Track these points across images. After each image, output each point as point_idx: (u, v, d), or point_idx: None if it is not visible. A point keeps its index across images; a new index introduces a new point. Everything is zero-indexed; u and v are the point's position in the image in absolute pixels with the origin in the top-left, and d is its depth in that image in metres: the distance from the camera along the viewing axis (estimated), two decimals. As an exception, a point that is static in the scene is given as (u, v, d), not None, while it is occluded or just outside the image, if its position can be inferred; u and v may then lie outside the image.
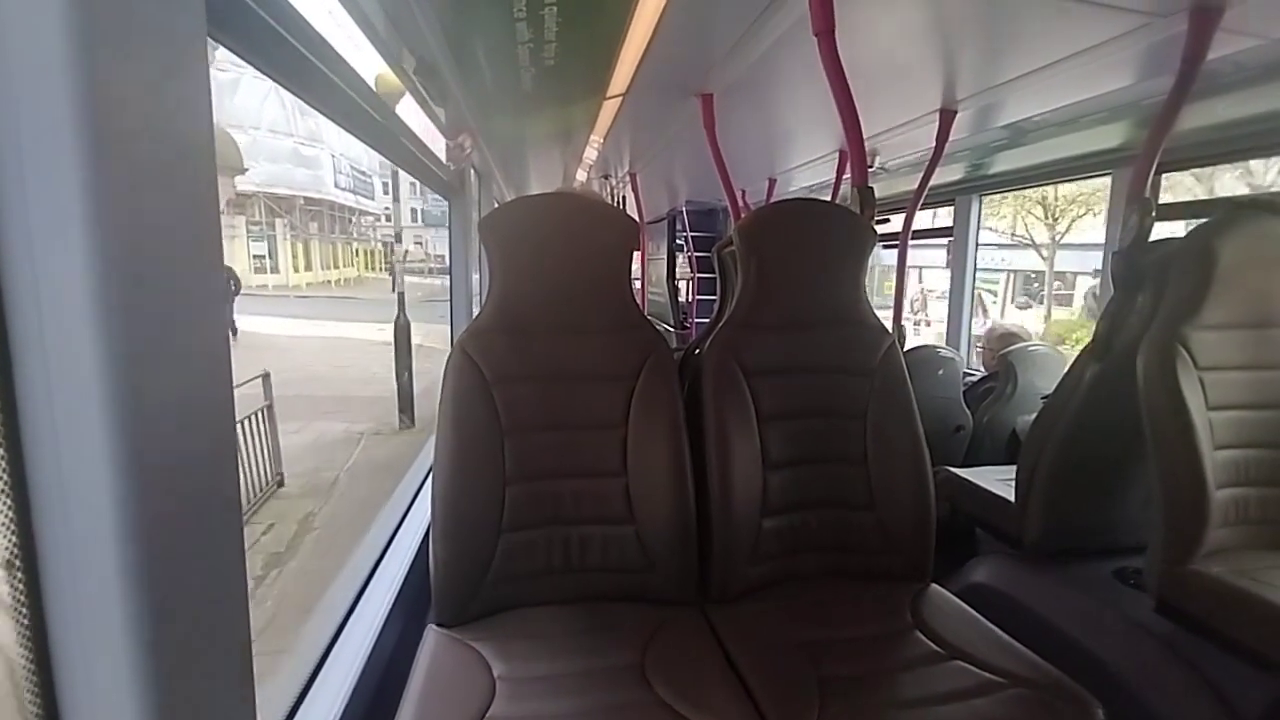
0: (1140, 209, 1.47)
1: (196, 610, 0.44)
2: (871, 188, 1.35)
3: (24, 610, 0.38)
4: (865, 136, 1.34)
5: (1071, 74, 1.62)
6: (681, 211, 5.12)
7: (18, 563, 0.37)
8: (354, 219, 26.38)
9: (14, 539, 0.37)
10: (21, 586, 0.37)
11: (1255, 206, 1.34)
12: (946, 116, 2.06)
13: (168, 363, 0.41)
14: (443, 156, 1.97)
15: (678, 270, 5.75)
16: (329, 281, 23.81)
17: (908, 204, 2.47)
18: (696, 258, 5.16)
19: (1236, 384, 1.30)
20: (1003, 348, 2.39)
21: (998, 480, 1.81)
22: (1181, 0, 1.25)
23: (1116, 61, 1.52)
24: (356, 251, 28.90)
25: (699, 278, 5.18)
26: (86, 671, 0.39)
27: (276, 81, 0.86)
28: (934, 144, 2.15)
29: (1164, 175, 2.16)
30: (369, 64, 1.23)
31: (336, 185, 22.60)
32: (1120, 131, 2.05)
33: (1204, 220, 1.36)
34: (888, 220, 3.79)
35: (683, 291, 5.69)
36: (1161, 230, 1.56)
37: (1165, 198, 2.28)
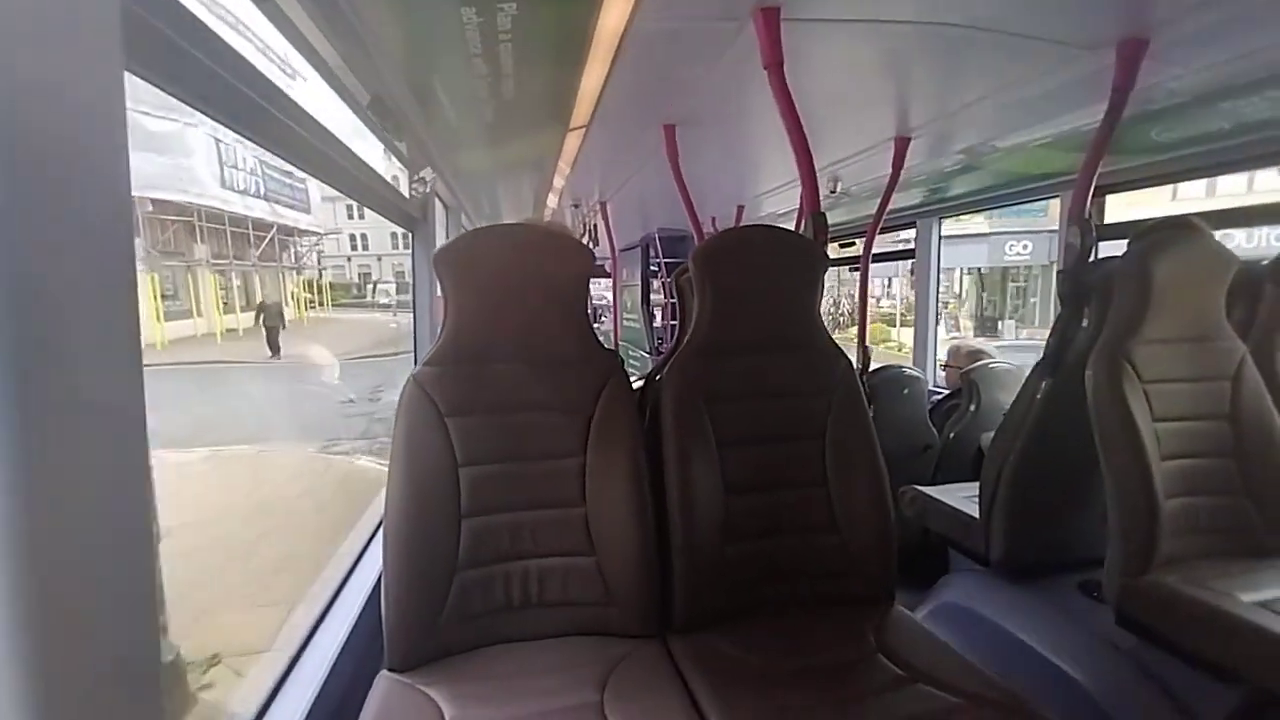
0: (1081, 229, 1.52)
1: (96, 625, 0.42)
2: (824, 214, 1.38)
3: None
4: (827, 163, 1.38)
5: (1015, 103, 1.70)
6: (655, 238, 5.19)
7: None
8: (271, 238, 17.29)
9: None
10: None
11: (1188, 226, 1.40)
12: (901, 143, 2.13)
13: (74, 364, 0.41)
14: (405, 189, 1.97)
15: (652, 297, 5.80)
16: (222, 333, 14.11)
17: (868, 227, 2.54)
18: (669, 284, 5.22)
19: (1180, 395, 1.34)
20: (966, 365, 2.44)
21: (964, 498, 1.82)
22: (1109, 33, 1.32)
23: (1055, 91, 1.60)
24: (278, 284, 18.65)
25: (672, 304, 5.23)
26: None
27: (212, 118, 0.85)
28: (890, 169, 2.22)
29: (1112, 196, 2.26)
30: (317, 98, 1.24)
31: (228, 185, 14.53)
32: (1066, 157, 2.14)
33: (1140, 239, 1.42)
34: (853, 244, 3.87)
35: (657, 318, 5.73)
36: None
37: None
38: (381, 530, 1.07)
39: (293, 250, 20.56)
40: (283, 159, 1.12)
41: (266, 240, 17.24)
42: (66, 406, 0.40)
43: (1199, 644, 1.17)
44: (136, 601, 0.45)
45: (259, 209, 16.29)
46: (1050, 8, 1.22)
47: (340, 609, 1.27)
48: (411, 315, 2.06)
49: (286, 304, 18.42)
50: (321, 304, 22.99)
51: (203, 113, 0.82)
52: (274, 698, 0.99)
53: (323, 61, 1.19)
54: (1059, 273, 1.57)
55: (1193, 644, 1.18)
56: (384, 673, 1.03)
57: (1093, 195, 1.59)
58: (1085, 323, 1.51)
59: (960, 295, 16.87)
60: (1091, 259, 1.61)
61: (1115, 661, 1.30)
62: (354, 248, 32.00)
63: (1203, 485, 1.33)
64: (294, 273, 20.99)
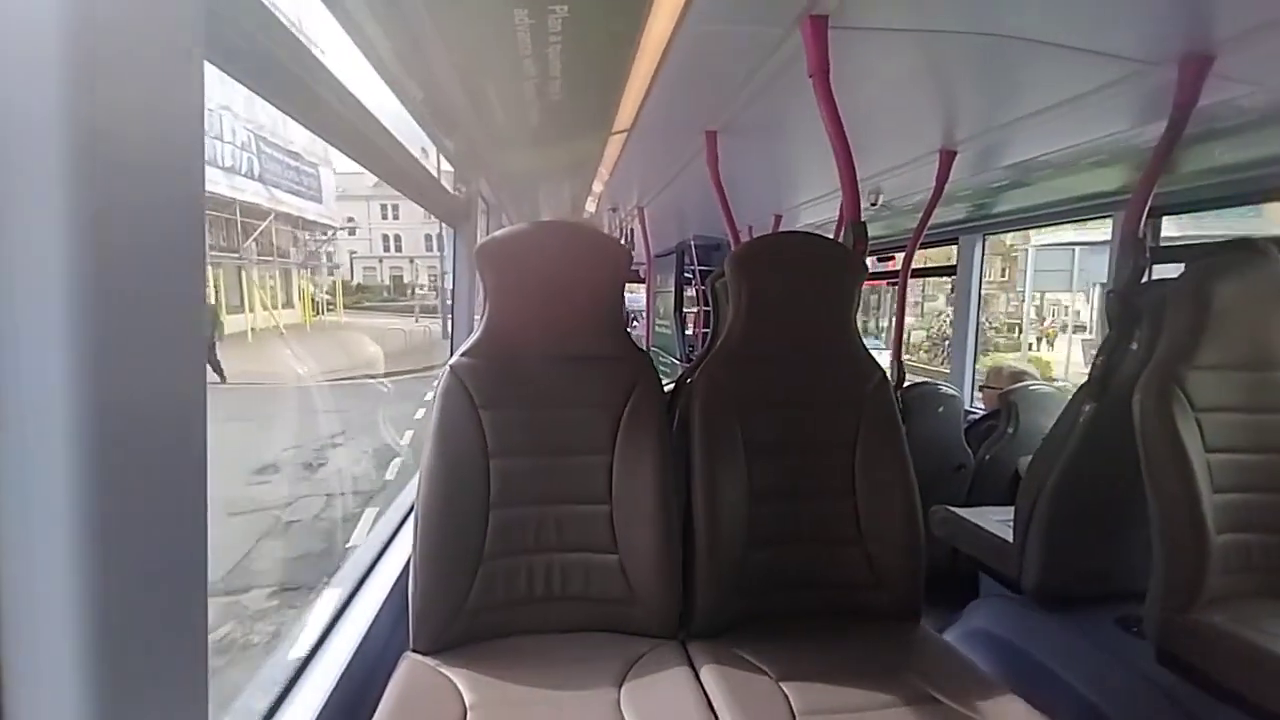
0: (1134, 250, 1.47)
1: (152, 622, 0.44)
2: (864, 223, 1.36)
3: None
4: (867, 174, 1.37)
5: (1069, 118, 1.65)
6: (690, 245, 5.19)
7: None
8: (266, 228, 14.82)
9: None
10: None
11: (1250, 249, 1.34)
12: (946, 156, 2.09)
13: (139, 370, 0.42)
14: (450, 186, 2.02)
15: (685, 304, 5.80)
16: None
17: (908, 242, 2.49)
18: (703, 291, 5.21)
19: (1235, 426, 1.28)
20: (1006, 386, 2.37)
21: (997, 521, 1.77)
22: (1172, 49, 1.28)
23: (1112, 107, 1.55)
24: (291, 285, 17.37)
25: (705, 311, 5.22)
26: (32, 674, 0.39)
27: (277, 107, 0.89)
28: (934, 183, 2.18)
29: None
30: (375, 92, 1.28)
31: (225, 166, 13.05)
32: (1120, 174, 2.07)
33: (1199, 261, 1.36)
34: (892, 258, 3.81)
35: (689, 325, 5.72)
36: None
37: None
38: (413, 514, 1.09)
39: (300, 243, 17.83)
40: (344, 152, 1.17)
41: (260, 230, 14.88)
42: (136, 408, 0.41)
43: (1245, 686, 1.11)
44: (188, 601, 0.47)
45: (251, 191, 14.00)
46: (1109, 21, 1.19)
47: (369, 590, 1.30)
48: (440, 317, 2.11)
49: (292, 305, 16.59)
50: (333, 306, 20.22)
51: (278, 108, 0.86)
52: (303, 670, 1.02)
53: (379, 58, 1.24)
54: (1108, 293, 1.52)
55: (1238, 686, 1.12)
56: (408, 653, 1.06)
57: (1147, 215, 1.53)
58: (1135, 346, 1.46)
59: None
60: (1144, 280, 1.56)
61: (1153, 700, 1.24)
62: (386, 248, 30.63)
63: (1257, 522, 1.26)
64: (306, 270, 18.47)
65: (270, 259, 15.78)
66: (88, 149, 0.37)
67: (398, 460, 6.42)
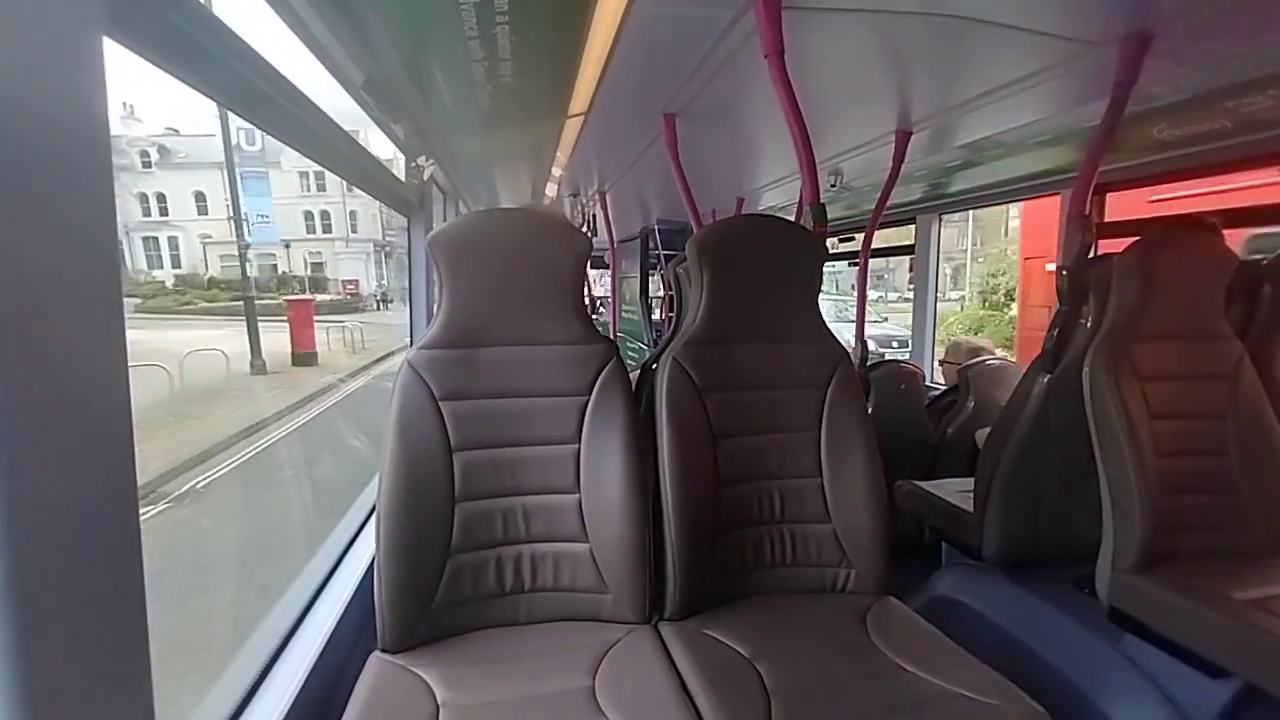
0: (1081, 226, 1.51)
1: (84, 620, 0.42)
2: (823, 205, 1.36)
3: None
4: (826, 156, 1.37)
5: (1017, 98, 1.68)
6: (654, 230, 5.16)
7: None
8: None
9: None
10: None
11: (1190, 224, 1.39)
12: (902, 137, 2.12)
13: (56, 360, 0.40)
14: (401, 174, 1.95)
15: (650, 289, 5.77)
16: None
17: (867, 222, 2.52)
18: (667, 276, 5.19)
19: (1176, 394, 1.34)
20: (965, 361, 2.44)
21: (958, 492, 1.82)
22: (1112, 29, 1.31)
23: (1057, 86, 1.58)
24: None
25: (671, 296, 5.20)
26: None
27: (200, 91, 0.83)
28: (891, 164, 2.20)
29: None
30: (309, 75, 1.22)
31: None
32: (1067, 153, 2.13)
33: (1140, 237, 1.41)
34: (852, 239, 3.86)
35: (656, 310, 5.71)
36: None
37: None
38: (375, 512, 1.06)
39: None
40: (277, 139, 1.11)
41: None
42: (53, 403, 0.39)
43: (1190, 640, 1.17)
44: (125, 599, 0.45)
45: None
46: (1053, 2, 1.20)
47: (333, 590, 1.26)
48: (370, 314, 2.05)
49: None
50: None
51: (191, 87, 0.80)
52: (265, 676, 0.98)
53: (313, 38, 1.17)
54: (1058, 269, 1.57)
55: (1184, 640, 1.18)
56: (376, 654, 1.04)
57: (1093, 192, 1.58)
58: (1085, 320, 1.51)
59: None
60: (1090, 256, 1.61)
61: (1107, 657, 1.30)
62: (311, 229, 23.23)
63: (1198, 483, 1.33)
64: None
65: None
66: None
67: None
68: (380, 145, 1.89)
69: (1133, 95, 1.44)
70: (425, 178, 1.97)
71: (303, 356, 10.44)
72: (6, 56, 0.36)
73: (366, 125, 1.75)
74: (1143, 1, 1.20)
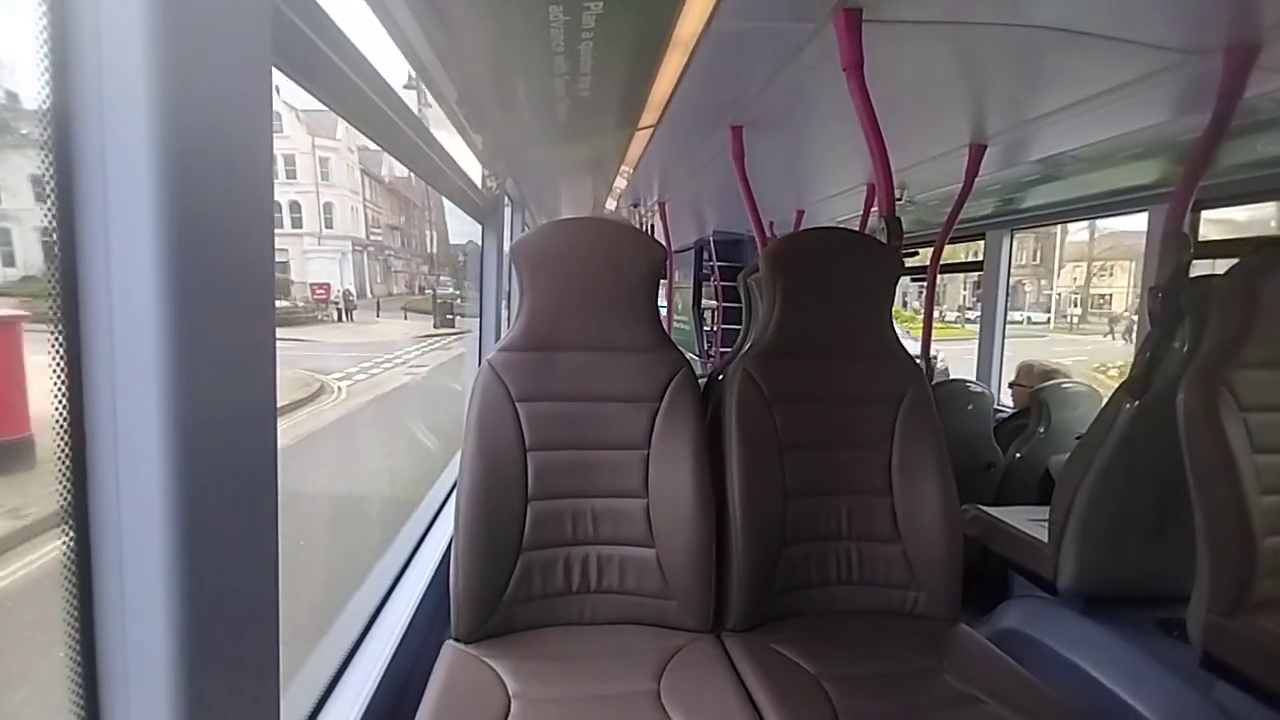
0: (1177, 245, 1.44)
1: (232, 623, 0.46)
2: (899, 218, 1.35)
3: (73, 593, 0.40)
4: (896, 169, 1.35)
5: (1105, 110, 1.61)
6: (709, 241, 5.16)
7: (72, 557, 0.40)
8: None
9: (72, 536, 0.39)
10: (72, 567, 0.40)
11: None
12: (976, 150, 2.06)
13: (221, 369, 0.43)
14: (478, 182, 2.03)
15: (704, 299, 5.78)
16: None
17: (936, 237, 2.46)
18: (722, 287, 5.18)
19: None
20: (1036, 384, 2.34)
21: (1030, 520, 1.75)
22: (1216, 39, 1.24)
23: (1151, 98, 1.51)
24: None
25: (725, 307, 5.19)
26: (122, 675, 0.41)
27: (329, 107, 0.91)
28: (964, 178, 2.15)
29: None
30: (411, 90, 1.30)
31: None
32: (1157, 168, 2.02)
33: (1246, 257, 1.33)
34: (916, 254, 3.77)
35: (708, 320, 5.70)
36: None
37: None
38: (454, 502, 1.11)
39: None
40: (389, 151, 1.19)
41: None
42: (219, 414, 0.42)
43: None
44: (262, 591, 0.49)
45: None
46: (1149, 10, 1.16)
47: (411, 576, 1.32)
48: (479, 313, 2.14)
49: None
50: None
51: (329, 108, 0.88)
52: (348, 663, 1.03)
53: (418, 58, 1.25)
54: (1150, 289, 1.49)
55: None
56: (450, 642, 1.08)
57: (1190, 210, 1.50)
58: (1179, 344, 1.43)
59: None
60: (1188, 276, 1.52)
61: (1198, 706, 1.22)
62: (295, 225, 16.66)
63: None
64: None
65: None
66: (172, 151, 0.38)
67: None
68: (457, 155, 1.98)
69: (1236, 108, 1.36)
70: (503, 185, 2.05)
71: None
72: (204, 85, 0.41)
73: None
74: (1250, 10, 1.15)
